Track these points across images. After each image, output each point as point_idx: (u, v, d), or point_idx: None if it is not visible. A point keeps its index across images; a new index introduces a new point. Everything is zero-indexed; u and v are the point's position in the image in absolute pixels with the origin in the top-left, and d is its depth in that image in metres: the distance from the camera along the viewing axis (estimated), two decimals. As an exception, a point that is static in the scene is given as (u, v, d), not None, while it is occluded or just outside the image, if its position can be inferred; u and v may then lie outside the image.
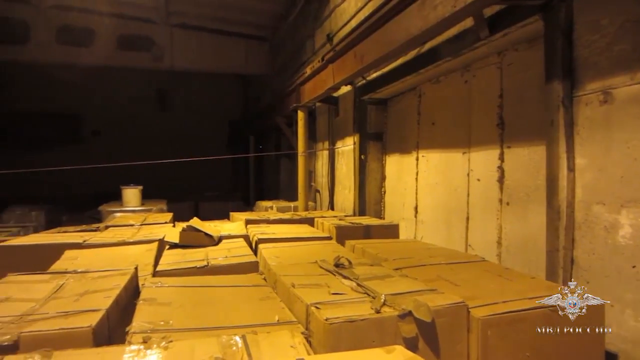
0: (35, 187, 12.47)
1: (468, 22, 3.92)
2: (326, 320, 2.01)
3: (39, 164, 10.95)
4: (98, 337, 1.95)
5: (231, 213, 6.26)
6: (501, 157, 4.33)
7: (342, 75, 5.62)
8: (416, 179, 5.85)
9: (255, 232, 4.53)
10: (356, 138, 6.69)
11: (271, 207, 7.48)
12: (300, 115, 7.57)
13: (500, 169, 4.34)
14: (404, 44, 4.05)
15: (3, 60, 11.34)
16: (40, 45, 11.31)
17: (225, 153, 12.60)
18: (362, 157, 6.61)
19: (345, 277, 2.70)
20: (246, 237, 4.41)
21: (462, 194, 4.94)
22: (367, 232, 4.88)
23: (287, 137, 9.29)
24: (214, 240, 4.07)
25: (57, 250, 3.85)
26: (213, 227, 4.45)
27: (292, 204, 7.73)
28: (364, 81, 6.37)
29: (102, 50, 11.35)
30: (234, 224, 5.28)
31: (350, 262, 3.05)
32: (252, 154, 13.16)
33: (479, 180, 4.70)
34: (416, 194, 5.86)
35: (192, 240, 3.99)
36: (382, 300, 2.21)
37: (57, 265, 3.41)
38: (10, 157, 12.32)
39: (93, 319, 1.97)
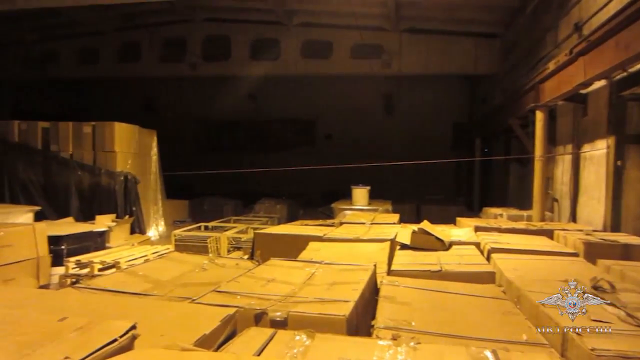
0: (278, 183, 14.41)
1: None
2: (592, 350, 1.75)
3: (281, 163, 12.67)
4: (349, 326, 2.10)
5: (457, 218, 6.08)
6: None
7: (597, 68, 4.87)
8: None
9: (487, 240, 4.28)
10: (610, 141, 5.71)
11: (500, 215, 7.00)
12: (539, 115, 6.87)
13: None
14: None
15: (258, 75, 13.46)
16: (288, 60, 13.05)
17: (448, 156, 12.36)
18: (618, 163, 5.61)
19: (608, 304, 2.31)
20: (477, 245, 4.21)
21: None
22: (625, 252, 4.12)
23: (521, 139, 8.56)
24: (445, 246, 4.00)
25: (302, 241, 4.35)
26: (442, 232, 4.38)
27: (524, 213, 7.09)
28: (624, 74, 5.40)
29: (338, 60, 12.45)
30: (462, 230, 5.10)
31: (612, 287, 2.60)
32: (478, 157, 12.59)
33: None
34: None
35: (423, 243, 4.00)
36: (669, 340, 1.81)
37: (304, 255, 3.82)
38: (259, 158, 14.59)
39: (346, 309, 2.12)
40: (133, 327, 1.34)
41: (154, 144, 9.81)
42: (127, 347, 1.28)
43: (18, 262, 4.82)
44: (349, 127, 16.15)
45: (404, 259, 3.60)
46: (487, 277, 3.18)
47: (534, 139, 7.09)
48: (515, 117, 8.66)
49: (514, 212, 7.31)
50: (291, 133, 17.18)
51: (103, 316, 1.72)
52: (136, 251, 5.77)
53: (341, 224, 5.62)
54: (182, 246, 7.05)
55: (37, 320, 1.46)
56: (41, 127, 8.81)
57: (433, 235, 4.01)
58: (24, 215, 6.60)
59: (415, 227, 4.34)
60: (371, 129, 15.86)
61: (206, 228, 8.43)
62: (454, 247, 4.09)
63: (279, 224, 8.87)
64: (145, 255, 5.45)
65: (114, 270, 4.92)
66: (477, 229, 5.03)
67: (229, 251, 7.16)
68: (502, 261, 3.49)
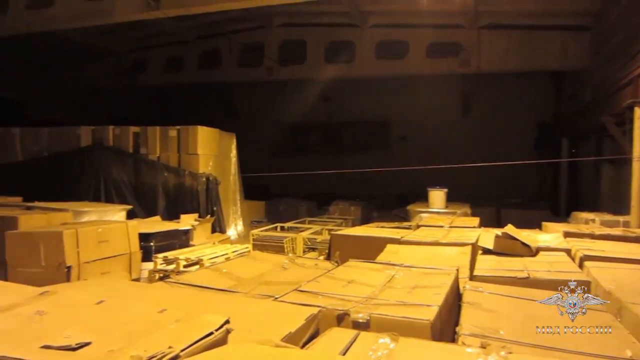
0: (352, 185, 14.40)
1: None
2: None
3: (354, 165, 12.65)
4: (433, 331, 2.04)
5: (544, 223, 5.73)
6: None
7: None
8: None
9: (579, 247, 4.00)
10: None
11: (592, 220, 6.50)
12: (638, 112, 6.30)
13: None
14: None
15: (332, 77, 13.56)
16: (362, 61, 13.03)
17: (530, 157, 11.68)
18: None
19: None
20: (567, 251, 3.94)
21: None
22: None
23: (615, 138, 7.90)
24: (532, 251, 3.78)
25: (379, 243, 4.30)
26: (527, 237, 4.14)
27: (620, 218, 6.53)
28: None
29: (413, 60, 12.24)
30: (550, 235, 4.79)
31: None
32: (565, 158, 11.80)
33: None
34: None
35: (507, 247, 3.81)
36: None
37: (382, 257, 3.78)
38: (333, 160, 14.67)
39: (430, 314, 2.07)
40: (227, 322, 1.39)
41: (233, 147, 10.21)
42: (222, 341, 1.33)
43: (113, 256, 5.21)
44: (424, 128, 15.79)
45: (487, 264, 3.46)
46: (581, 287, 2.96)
47: (631, 137, 6.51)
48: (609, 114, 8.00)
49: (608, 217, 6.75)
50: (365, 135, 17.12)
51: (194, 310, 1.81)
52: (217, 249, 6.02)
53: (418, 226, 5.51)
54: (260, 246, 7.25)
55: (140, 310, 1.56)
56: (132, 131, 9.48)
57: (518, 240, 3.81)
58: (118, 214, 7.12)
59: (498, 231, 4.15)
60: (447, 129, 15.38)
61: (282, 228, 8.62)
62: (541, 253, 3.86)
63: (353, 225, 8.87)
64: (226, 254, 5.68)
65: (197, 267, 5.17)
66: (567, 234, 4.72)
67: (304, 252, 7.27)
68: (598, 270, 3.25)
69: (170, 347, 1.15)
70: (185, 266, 5.24)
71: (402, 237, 4.55)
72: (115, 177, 9.11)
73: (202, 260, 5.31)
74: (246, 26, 13.65)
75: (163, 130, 9.25)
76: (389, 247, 4.13)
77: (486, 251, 3.89)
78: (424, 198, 9.58)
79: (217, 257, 5.51)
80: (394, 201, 12.72)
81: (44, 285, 1.97)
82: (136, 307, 1.67)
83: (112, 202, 8.62)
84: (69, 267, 4.62)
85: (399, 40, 12.44)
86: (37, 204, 7.00)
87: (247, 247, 6.40)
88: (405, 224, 6.30)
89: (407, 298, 2.37)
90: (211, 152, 9.27)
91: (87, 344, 1.23)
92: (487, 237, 4.23)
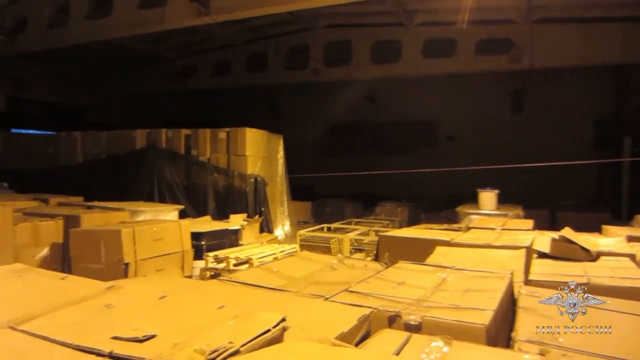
0: (398, 186, 14.23)
1: None
2: None
3: (401, 166, 12.49)
4: (488, 336, 1.99)
5: (604, 226, 5.46)
6: None
7: None
8: None
9: (644, 251, 3.78)
10: None
11: (658, 223, 6.13)
12: None
13: None
14: None
15: (378, 77, 13.46)
16: (408, 61, 12.87)
17: (588, 157, 11.12)
18: None
19: None
20: (631, 257, 3.73)
21: None
22: None
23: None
24: (592, 256, 3.61)
25: (428, 245, 4.24)
26: (586, 240, 3.96)
27: (688, 222, 6.12)
28: None
29: (462, 57, 11.96)
30: (611, 240, 4.56)
31: None
32: (627, 158, 11.16)
33: None
34: None
35: (564, 252, 3.66)
36: None
37: (432, 259, 3.72)
38: (378, 160, 14.56)
39: (485, 318, 2.02)
40: (283, 320, 1.42)
41: (280, 148, 10.34)
42: (278, 338, 1.36)
43: (167, 254, 5.41)
44: (472, 128, 15.36)
45: (544, 269, 3.33)
46: (646, 294, 2.80)
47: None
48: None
49: (675, 220, 6.35)
50: (411, 135, 16.87)
51: (248, 307, 1.85)
52: (266, 249, 6.13)
53: (469, 228, 5.38)
54: (307, 246, 7.31)
55: (200, 306, 1.62)
56: (184, 134, 9.81)
57: (577, 243, 3.65)
58: (171, 213, 7.38)
59: (554, 234, 3.99)
60: (497, 128, 14.89)
61: (329, 229, 8.65)
62: (602, 258, 3.68)
63: (400, 227, 8.78)
64: (274, 254, 5.77)
65: (247, 266, 5.29)
66: (630, 239, 4.47)
67: (351, 253, 7.27)
68: (667, 277, 3.06)
69: (230, 342, 1.19)
70: (235, 265, 5.38)
71: (452, 239, 4.47)
72: (168, 178, 9.45)
73: (251, 259, 5.42)
74: (291, 29, 13.80)
75: (213, 133, 9.51)
76: (439, 249, 4.06)
77: (542, 255, 3.76)
78: (473, 200, 9.33)
79: (265, 256, 5.61)
80: (442, 202, 12.47)
81: (104, 281, 2.09)
82: (196, 302, 1.73)
83: (165, 201, 8.95)
84: (126, 264, 4.84)
85: (446, 38, 12.19)
86: (96, 203, 7.39)
87: (294, 247, 6.48)
88: (455, 225, 6.16)
89: (460, 301, 2.33)
90: (259, 153, 9.44)
91: (153, 336, 1.29)
92: (543, 240, 4.08)
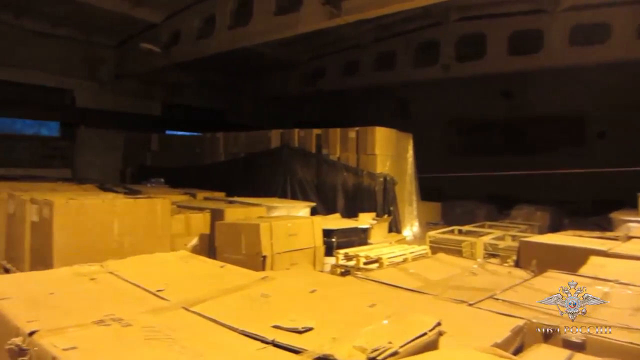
0: (537, 188, 13.08)
1: None
2: None
3: (540, 166, 11.46)
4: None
5: None
6: None
7: None
8: None
9: None
10: None
11: None
12: None
13: None
14: None
15: (515, 70, 12.51)
16: (552, 50, 11.77)
17: None
18: None
19: None
20: None
21: None
22: None
23: None
24: None
25: (580, 254, 3.81)
26: None
27: None
28: None
29: (619, 43, 10.58)
30: None
31: None
32: None
33: None
34: None
35: None
36: None
37: (585, 270, 3.35)
38: (514, 160, 13.52)
39: (667, 343, 1.75)
40: (438, 324, 1.37)
41: (410, 147, 10.18)
42: (434, 343, 1.31)
43: (301, 249, 5.63)
44: (628, 124, 13.50)
45: None
46: None
47: None
48: None
49: None
50: (553, 132, 15.35)
51: (394, 308, 1.83)
52: (395, 249, 6.06)
53: (629, 238, 4.73)
54: (436, 248, 7.08)
55: (351, 302, 1.64)
56: (315, 133, 10.17)
57: None
58: (303, 210, 7.70)
59: None
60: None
61: (460, 232, 8.28)
62: None
63: (539, 232, 8.07)
64: (404, 254, 5.68)
65: (376, 265, 5.29)
66: None
67: (484, 257, 6.86)
68: None
69: (389, 342, 1.18)
70: (365, 263, 5.41)
71: (609, 249, 3.96)
72: (299, 176, 9.88)
73: (381, 258, 5.40)
74: (421, 24, 13.50)
75: (343, 132, 9.71)
76: (593, 260, 3.63)
77: None
78: (629, 205, 8.21)
79: (395, 256, 5.55)
80: (590, 207, 11.21)
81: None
82: (346, 298, 1.76)
83: (297, 198, 9.37)
84: (264, 257, 5.15)
85: (598, 23, 10.89)
86: (236, 199, 8.01)
87: (424, 249, 6.31)
88: (610, 234, 5.46)
89: (630, 321, 2.04)
90: (388, 152, 9.40)
91: (311, 328, 1.34)
92: None
